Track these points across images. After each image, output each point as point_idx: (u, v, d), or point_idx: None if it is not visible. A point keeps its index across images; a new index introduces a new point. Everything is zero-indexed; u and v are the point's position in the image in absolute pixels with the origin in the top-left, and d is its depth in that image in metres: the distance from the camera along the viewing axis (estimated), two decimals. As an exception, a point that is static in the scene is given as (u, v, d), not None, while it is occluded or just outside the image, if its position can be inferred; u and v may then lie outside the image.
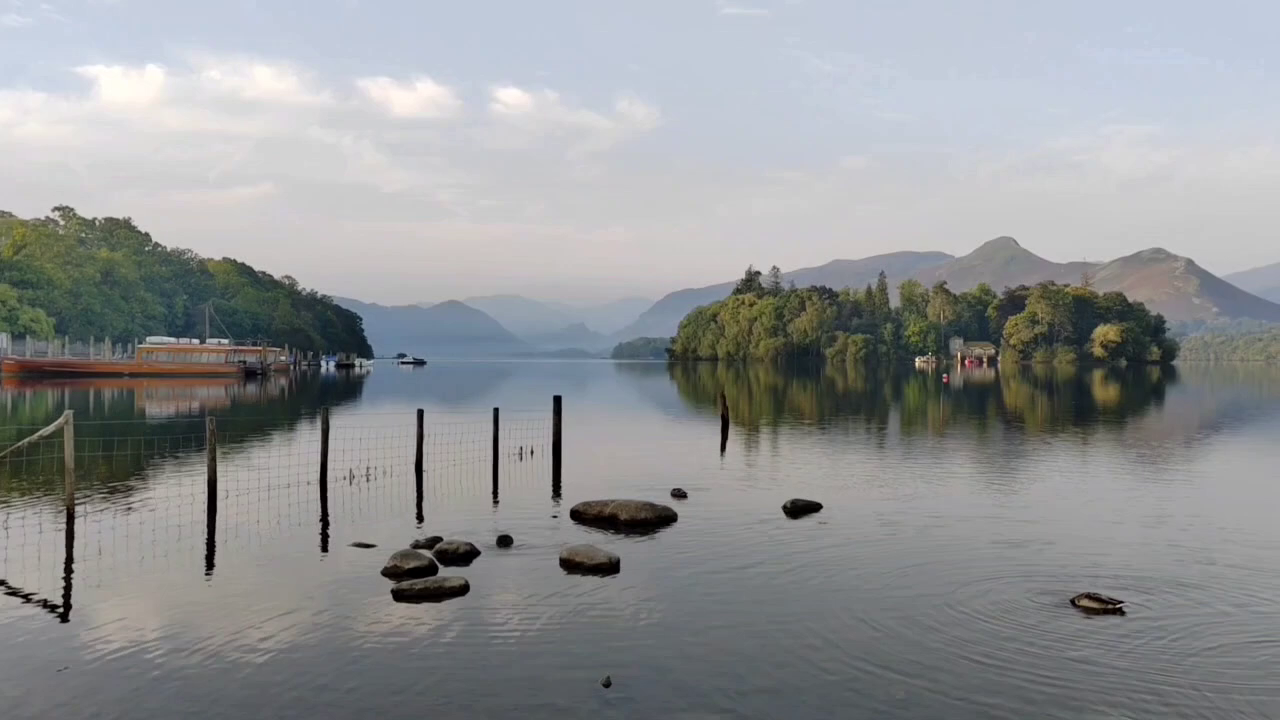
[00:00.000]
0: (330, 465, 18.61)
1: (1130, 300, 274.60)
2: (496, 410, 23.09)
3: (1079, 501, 17.79)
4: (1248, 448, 30.50)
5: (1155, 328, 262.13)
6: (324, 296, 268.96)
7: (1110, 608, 9.89)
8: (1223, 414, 49.97)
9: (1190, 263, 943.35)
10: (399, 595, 10.44)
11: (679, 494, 17.75)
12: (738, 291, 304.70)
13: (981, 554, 12.77)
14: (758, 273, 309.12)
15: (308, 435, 30.27)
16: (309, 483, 18.39)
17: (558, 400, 23.76)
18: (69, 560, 12.20)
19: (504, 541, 13.17)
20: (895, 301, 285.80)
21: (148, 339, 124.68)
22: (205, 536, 13.77)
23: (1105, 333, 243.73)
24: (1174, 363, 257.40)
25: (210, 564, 12.18)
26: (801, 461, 24.29)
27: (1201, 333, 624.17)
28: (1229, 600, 10.46)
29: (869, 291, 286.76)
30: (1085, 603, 10.01)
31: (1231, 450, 29.44)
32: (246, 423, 38.06)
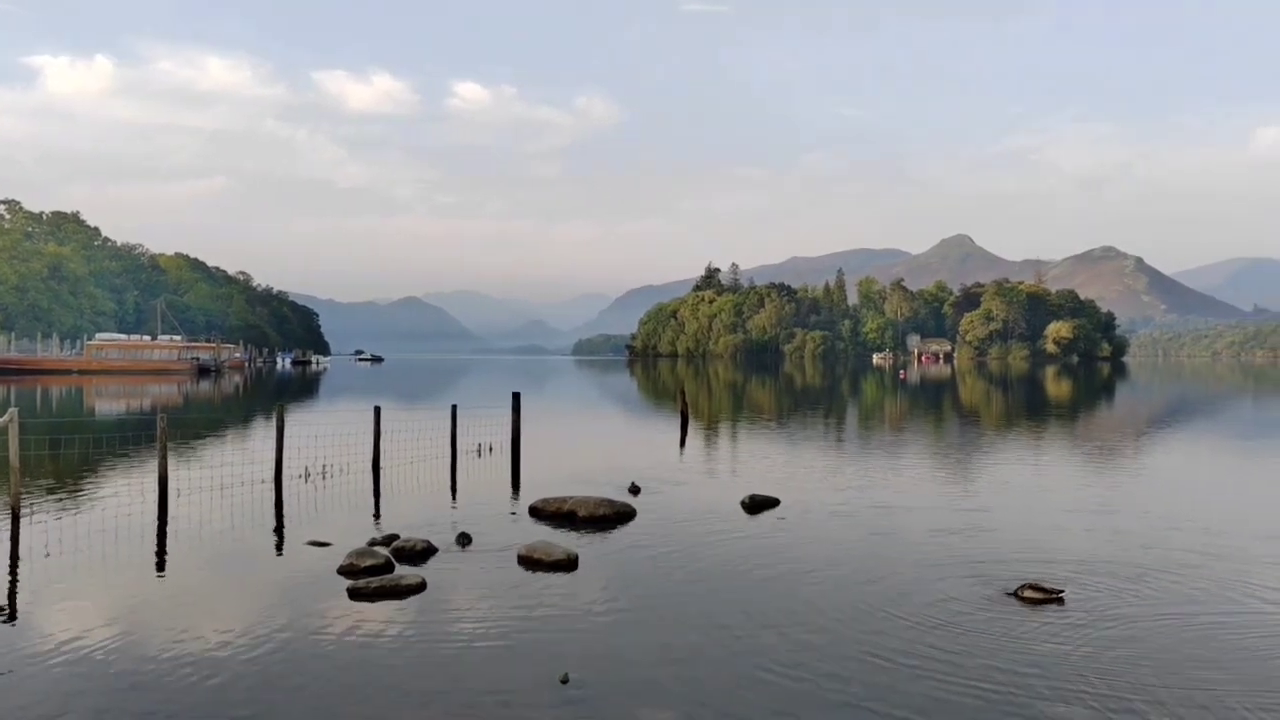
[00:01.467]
0: (285, 463, 18.38)
1: (1082, 298, 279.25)
2: (454, 407, 22.96)
3: (1030, 494, 18.12)
4: (1193, 441, 31.24)
5: (1106, 325, 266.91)
6: (280, 292, 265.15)
7: (1051, 597, 10.11)
8: (1170, 409, 51.12)
9: (1140, 261, 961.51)
10: (355, 594, 10.36)
11: (638, 490, 17.79)
12: (697, 288, 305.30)
13: (934, 548, 12.96)
14: (717, 270, 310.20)
15: (262, 433, 29.90)
16: (263, 481, 18.16)
17: (516, 397, 23.67)
18: (14, 561, 11.94)
19: (462, 539, 13.11)
20: (853, 298, 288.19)
21: (97, 335, 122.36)
22: (156, 536, 13.56)
23: (1058, 329, 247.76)
24: (1124, 359, 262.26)
25: (161, 564, 12.00)
26: (760, 457, 24.45)
27: (1150, 330, 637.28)
28: (1171, 589, 10.71)
29: (827, 288, 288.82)
30: (1029, 594, 10.20)
31: (1177, 443, 30.15)
32: (199, 420, 37.48)
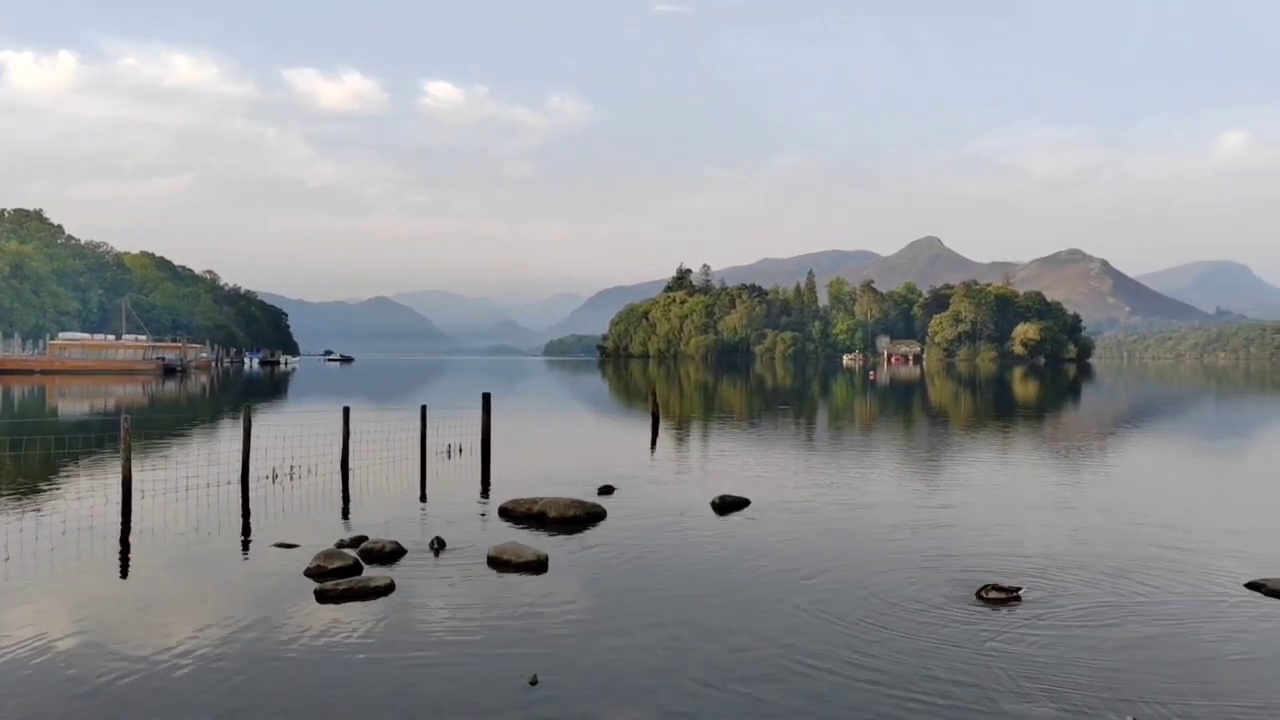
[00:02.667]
0: (252, 464, 18.20)
1: (1049, 300, 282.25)
2: (424, 408, 22.82)
3: (996, 494, 18.30)
4: (1155, 440, 31.68)
5: (1072, 326, 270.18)
6: (248, 292, 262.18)
7: (1011, 595, 10.23)
8: (1133, 409, 51.86)
9: (1105, 264, 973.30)
10: (322, 596, 10.27)
11: (608, 491, 17.79)
12: (669, 289, 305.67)
13: (902, 548, 13.06)
14: (689, 271, 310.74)
15: (229, 434, 29.57)
16: (230, 482, 17.96)
17: (487, 397, 23.58)
18: (-27, 565, 11.73)
19: (431, 540, 13.04)
20: (824, 300, 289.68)
21: (60, 335, 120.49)
22: (119, 538, 13.38)
23: (1025, 331, 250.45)
24: (1090, 360, 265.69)
25: (125, 566, 11.84)
26: (730, 458, 24.52)
27: (1115, 331, 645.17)
28: (1132, 584, 10.85)
29: (798, 290, 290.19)
30: (993, 594, 10.29)
31: (1140, 443, 30.56)
32: (165, 421, 36.98)
